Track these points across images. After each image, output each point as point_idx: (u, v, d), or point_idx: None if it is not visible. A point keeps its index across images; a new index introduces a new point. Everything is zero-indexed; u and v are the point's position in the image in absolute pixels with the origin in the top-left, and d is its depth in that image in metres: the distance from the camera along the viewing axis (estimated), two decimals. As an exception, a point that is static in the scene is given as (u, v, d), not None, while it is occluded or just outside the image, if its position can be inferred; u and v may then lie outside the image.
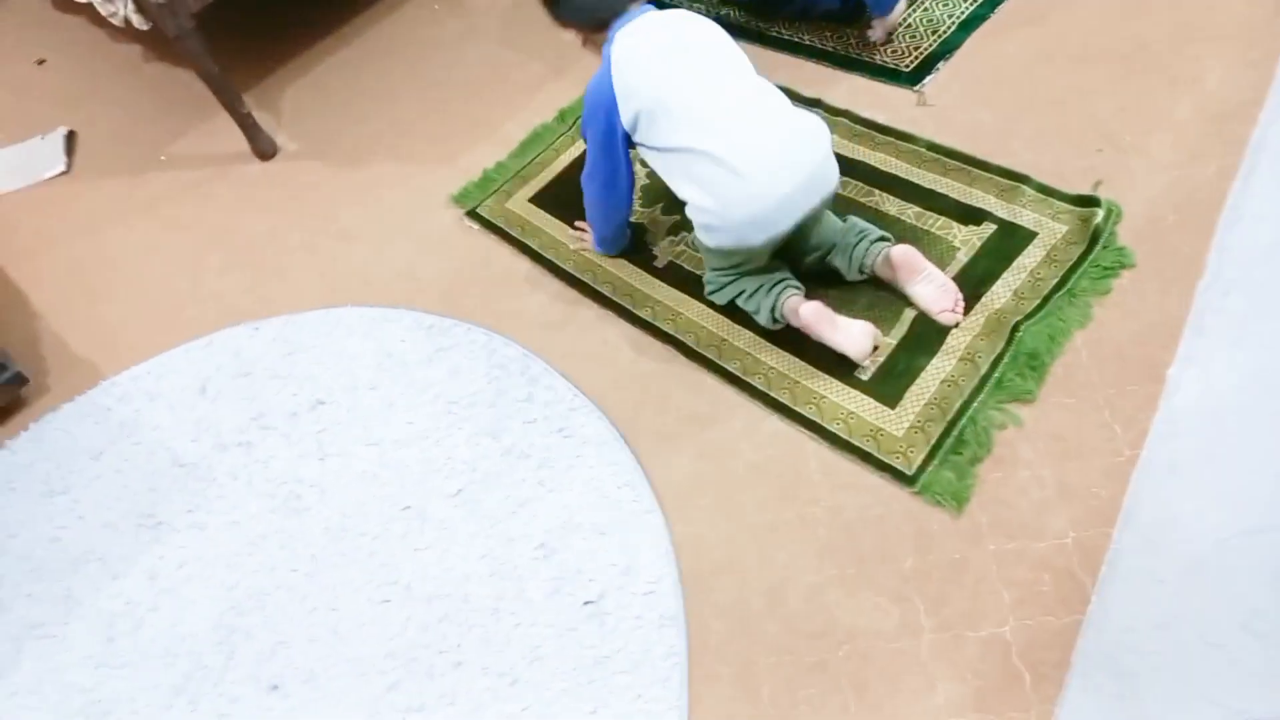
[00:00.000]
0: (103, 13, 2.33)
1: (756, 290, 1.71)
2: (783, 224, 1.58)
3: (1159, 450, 0.61)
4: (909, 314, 1.71)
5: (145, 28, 2.32)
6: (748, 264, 1.71)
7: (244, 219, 2.40)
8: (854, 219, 1.76)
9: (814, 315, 1.64)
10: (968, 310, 1.68)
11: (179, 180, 2.58)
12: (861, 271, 1.73)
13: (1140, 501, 0.66)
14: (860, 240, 1.71)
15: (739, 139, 1.54)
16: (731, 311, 1.80)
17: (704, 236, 1.67)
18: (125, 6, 2.27)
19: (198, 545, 1.73)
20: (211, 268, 2.29)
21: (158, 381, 2.04)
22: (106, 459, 1.91)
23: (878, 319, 1.70)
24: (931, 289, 1.68)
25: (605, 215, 1.87)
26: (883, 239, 1.72)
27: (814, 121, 1.61)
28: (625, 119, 1.62)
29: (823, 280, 1.76)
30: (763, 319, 1.72)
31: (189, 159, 2.65)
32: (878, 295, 1.75)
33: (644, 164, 1.86)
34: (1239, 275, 0.53)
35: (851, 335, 1.63)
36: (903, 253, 1.66)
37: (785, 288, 1.69)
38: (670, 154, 1.61)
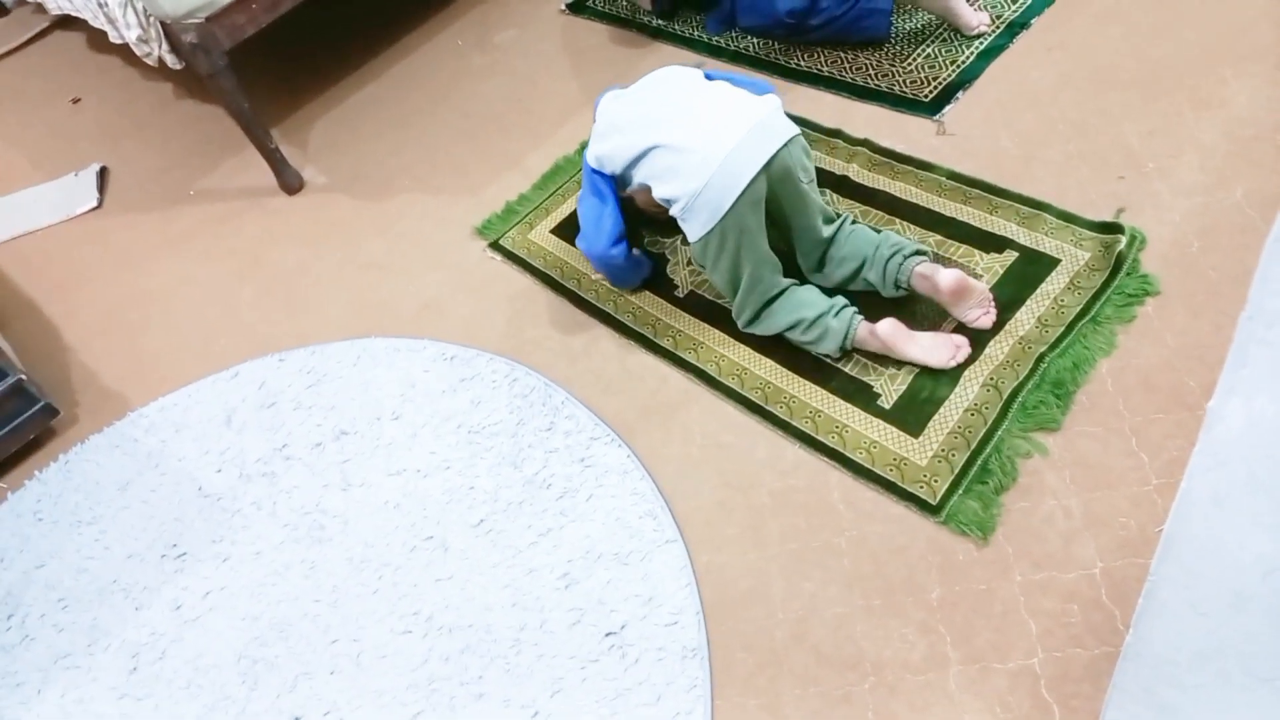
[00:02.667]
0: (137, 53, 2.39)
1: (818, 320, 1.69)
2: (743, 176, 1.58)
3: (1201, 481, 0.60)
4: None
5: (178, 67, 2.38)
6: (755, 264, 1.68)
7: (272, 251, 2.44)
8: (888, 233, 1.78)
9: (891, 331, 1.64)
10: (992, 336, 1.67)
11: (208, 214, 2.63)
12: (898, 286, 1.73)
13: (1181, 532, 0.65)
14: (894, 254, 1.72)
15: (682, 122, 1.67)
16: (766, 342, 1.79)
17: (690, 230, 1.67)
18: (159, 46, 2.33)
19: (221, 576, 1.74)
20: (243, 299, 2.33)
21: (184, 413, 2.06)
22: (133, 490, 1.93)
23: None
24: (973, 304, 1.68)
25: (604, 262, 1.88)
26: (919, 253, 1.73)
27: (761, 97, 1.70)
28: (591, 158, 1.82)
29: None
30: (828, 346, 1.70)
31: (218, 193, 2.70)
32: (912, 314, 1.74)
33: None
34: None
35: (930, 346, 1.65)
36: (953, 282, 1.63)
37: (853, 315, 1.69)
38: (636, 168, 1.74)
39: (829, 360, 1.73)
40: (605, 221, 1.82)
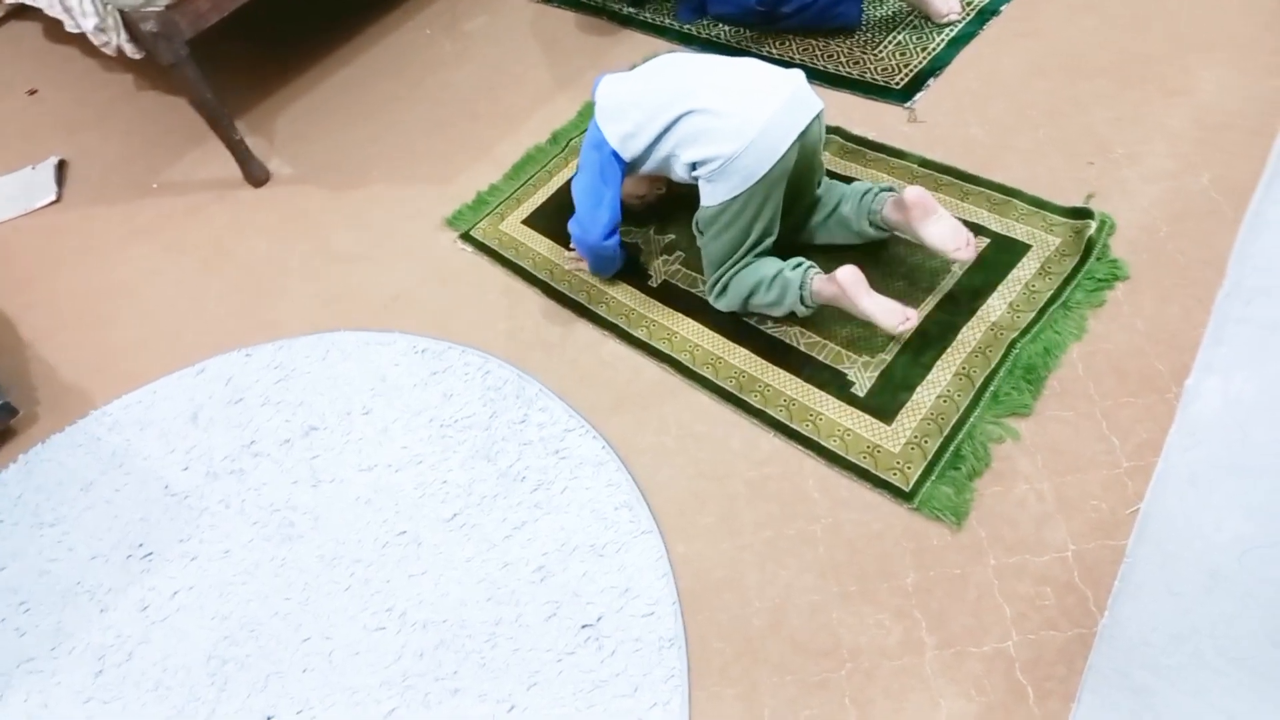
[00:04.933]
0: (95, 42, 2.34)
1: (776, 277, 1.69)
2: (781, 144, 1.59)
3: (1177, 461, 0.60)
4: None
5: (138, 56, 2.32)
6: (758, 237, 1.69)
7: (239, 245, 2.40)
8: (859, 181, 1.83)
9: (851, 278, 1.61)
10: (965, 322, 1.67)
11: (172, 207, 2.58)
12: (871, 222, 1.74)
13: (1156, 513, 0.65)
14: (869, 190, 1.76)
15: (714, 89, 1.66)
16: (736, 321, 1.80)
17: (714, 192, 1.65)
18: (118, 35, 2.28)
19: (189, 575, 1.71)
20: (208, 294, 2.28)
21: (148, 410, 2.02)
22: (97, 489, 1.89)
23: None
24: (944, 228, 1.65)
25: (594, 251, 1.86)
26: (889, 188, 1.75)
27: (787, 70, 1.69)
28: (614, 140, 1.74)
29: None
30: (788, 304, 1.70)
31: (182, 186, 2.65)
32: (903, 284, 1.73)
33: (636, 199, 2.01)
34: (1264, 283, 0.52)
35: (884, 306, 1.63)
36: (916, 193, 1.65)
37: (808, 268, 1.69)
38: (663, 139, 1.70)
39: (801, 349, 1.73)
40: (603, 211, 1.78)
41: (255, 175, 2.54)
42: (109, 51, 2.34)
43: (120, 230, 2.55)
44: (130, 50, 2.31)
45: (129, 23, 2.23)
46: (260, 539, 1.73)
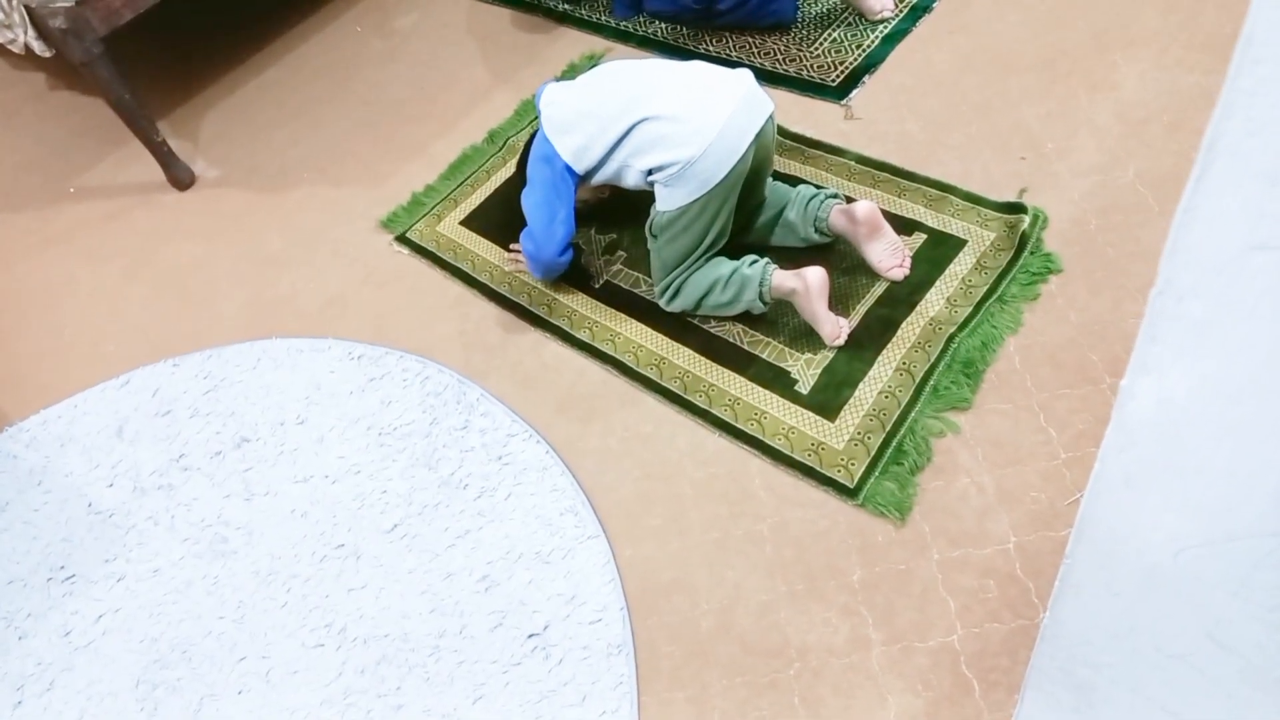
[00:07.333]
0: (0, 39, 2.22)
1: (732, 275, 1.68)
2: (740, 145, 1.59)
3: (1113, 462, 0.61)
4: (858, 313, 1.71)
5: (48, 54, 2.22)
6: (712, 241, 1.68)
7: (163, 250, 2.31)
8: (805, 185, 1.83)
9: (818, 281, 1.63)
10: (904, 318, 1.69)
11: (91, 212, 2.47)
12: (816, 228, 1.75)
13: (1094, 514, 0.65)
14: (815, 195, 1.77)
15: (668, 93, 1.65)
16: (679, 321, 1.78)
17: (671, 197, 1.63)
18: (25, 32, 2.17)
19: (116, 597, 1.64)
20: (132, 302, 2.19)
21: (70, 425, 1.93)
22: (14, 510, 1.80)
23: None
24: (885, 247, 1.73)
25: (547, 266, 1.82)
26: (835, 195, 1.77)
27: (735, 71, 1.68)
28: (568, 154, 1.70)
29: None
30: (745, 302, 1.69)
31: (101, 190, 2.54)
32: (844, 280, 1.79)
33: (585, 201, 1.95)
34: (1194, 281, 0.52)
35: (830, 318, 1.66)
36: (868, 209, 1.69)
37: (767, 263, 1.69)
38: (618, 149, 1.67)
39: (745, 347, 1.73)
40: (558, 228, 1.73)
41: (180, 178, 2.45)
42: (15, 49, 2.23)
43: (34, 237, 2.44)
44: (39, 48, 2.20)
45: (36, 19, 2.12)
46: (191, 556, 1.67)
